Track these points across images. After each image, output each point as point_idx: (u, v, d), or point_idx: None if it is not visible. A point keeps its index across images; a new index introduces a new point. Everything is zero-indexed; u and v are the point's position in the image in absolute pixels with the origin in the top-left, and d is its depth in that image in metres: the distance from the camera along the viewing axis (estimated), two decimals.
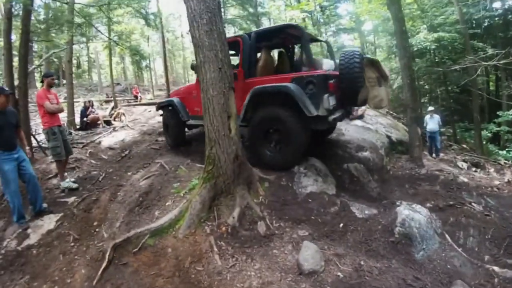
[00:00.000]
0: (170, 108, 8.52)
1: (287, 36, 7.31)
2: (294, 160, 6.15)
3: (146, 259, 4.36)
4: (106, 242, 4.81)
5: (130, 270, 4.27)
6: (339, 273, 3.85)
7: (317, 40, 9.22)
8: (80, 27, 11.41)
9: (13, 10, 8.77)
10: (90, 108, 13.52)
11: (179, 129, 8.48)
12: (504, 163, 13.51)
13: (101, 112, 15.17)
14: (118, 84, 29.82)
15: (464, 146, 16.58)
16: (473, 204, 6.94)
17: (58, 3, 12.65)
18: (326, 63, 6.59)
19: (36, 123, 11.68)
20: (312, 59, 6.33)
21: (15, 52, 10.89)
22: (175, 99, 8.37)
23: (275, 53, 9.02)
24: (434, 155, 11.82)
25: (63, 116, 12.27)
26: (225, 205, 4.81)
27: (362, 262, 4.05)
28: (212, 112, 4.76)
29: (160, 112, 9.29)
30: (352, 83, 5.88)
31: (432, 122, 11.81)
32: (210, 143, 4.89)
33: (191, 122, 8.02)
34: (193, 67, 7.12)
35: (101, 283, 4.17)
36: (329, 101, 5.50)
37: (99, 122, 13.27)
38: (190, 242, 4.37)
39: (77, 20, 11.51)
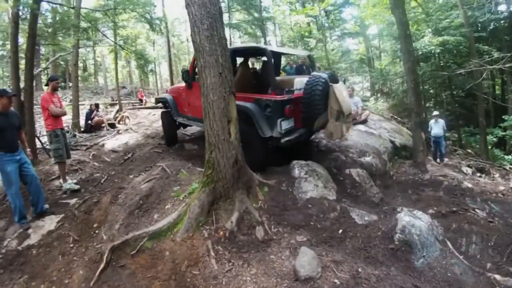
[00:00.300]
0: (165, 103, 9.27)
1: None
2: (254, 167, 6.14)
3: (143, 261, 4.38)
4: (105, 244, 4.83)
5: (127, 272, 4.30)
6: (336, 280, 3.80)
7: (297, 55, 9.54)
8: (86, 32, 11.47)
9: (20, 13, 8.85)
10: (95, 112, 13.64)
11: (172, 126, 9.15)
12: (510, 168, 13.36)
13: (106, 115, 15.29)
14: (123, 87, 29.97)
15: (469, 151, 16.40)
16: (476, 210, 6.88)
17: (65, 8, 12.79)
18: (297, 83, 6.70)
19: (41, 125, 11.76)
20: (274, 82, 6.43)
21: (22, 55, 10.98)
22: (169, 97, 8.99)
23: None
24: (438, 160, 11.74)
25: (68, 118, 12.42)
26: (224, 209, 4.81)
27: (360, 269, 4.01)
28: (212, 117, 4.76)
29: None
30: (310, 109, 6.19)
31: (436, 126, 11.72)
32: (210, 148, 4.89)
33: (179, 120, 8.61)
34: (183, 75, 8.05)
35: (98, 284, 4.21)
36: (282, 125, 5.93)
37: (103, 125, 13.35)
38: (188, 246, 4.37)
39: (83, 24, 11.60)
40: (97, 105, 15.45)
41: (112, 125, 13.69)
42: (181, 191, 5.74)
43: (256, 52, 7.24)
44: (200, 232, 4.53)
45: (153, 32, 14.46)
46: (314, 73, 6.62)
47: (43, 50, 25.67)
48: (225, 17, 26.34)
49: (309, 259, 3.96)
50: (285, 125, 6.02)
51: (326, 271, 3.95)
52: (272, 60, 6.68)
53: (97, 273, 4.28)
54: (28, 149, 6.11)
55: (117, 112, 17.54)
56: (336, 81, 6.49)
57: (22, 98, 8.19)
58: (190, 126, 8.85)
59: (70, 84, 22.47)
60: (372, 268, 4.10)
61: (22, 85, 8.48)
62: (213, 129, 4.79)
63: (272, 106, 5.98)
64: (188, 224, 4.58)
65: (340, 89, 6.22)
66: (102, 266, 4.36)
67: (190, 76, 7.89)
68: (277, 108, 5.96)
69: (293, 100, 6.20)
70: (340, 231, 4.85)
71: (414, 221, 4.80)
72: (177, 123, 8.93)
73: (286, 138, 6.02)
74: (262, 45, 7.57)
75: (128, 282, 4.15)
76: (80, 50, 24.36)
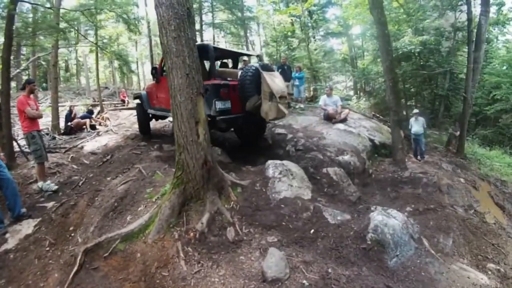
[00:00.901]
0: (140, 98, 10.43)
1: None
2: None
3: (116, 263, 4.38)
4: (79, 247, 4.81)
5: (100, 274, 4.30)
6: (304, 281, 3.82)
7: (246, 55, 11.75)
8: (63, 32, 11.32)
9: None
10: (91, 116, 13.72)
11: (144, 117, 10.36)
12: None
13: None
14: (106, 87, 29.61)
15: (450, 148, 16.61)
16: (455, 207, 6.99)
17: (45, 7, 12.60)
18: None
19: (19, 127, 11.62)
20: (215, 72, 7.76)
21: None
22: (143, 92, 10.21)
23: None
24: (419, 157, 11.87)
25: (47, 120, 12.29)
26: (195, 210, 4.81)
27: (330, 270, 4.02)
28: (180, 118, 4.76)
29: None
30: (242, 92, 7.38)
31: (416, 124, 11.81)
32: (179, 149, 4.89)
33: (150, 111, 9.83)
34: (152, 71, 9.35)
35: (71, 287, 4.20)
36: (217, 105, 7.01)
37: (84, 126, 13.22)
38: (158, 247, 4.37)
39: (62, 24, 11.48)
40: (90, 111, 15.35)
41: (93, 127, 13.59)
42: (154, 193, 5.72)
43: (202, 48, 7.62)
44: (170, 234, 4.53)
45: (131, 32, 14.34)
46: (249, 64, 7.81)
47: (24, 50, 25.31)
48: (209, 17, 26.36)
49: (277, 260, 3.98)
50: (220, 105, 7.09)
51: (295, 272, 3.97)
52: (214, 54, 7.68)
53: (71, 276, 4.27)
54: (2, 153, 6.06)
55: (98, 113, 17.37)
56: (270, 70, 7.62)
57: None
58: (162, 118, 10.02)
59: None
60: (343, 269, 4.12)
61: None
62: (181, 130, 4.79)
63: (209, 89, 6.90)
64: (159, 226, 4.58)
65: (270, 75, 7.26)
66: (75, 268, 4.35)
67: (158, 72, 8.90)
68: (213, 91, 7.01)
69: (229, 85, 7.42)
70: (312, 231, 4.87)
71: (387, 220, 4.83)
72: (150, 115, 10.17)
73: (222, 117, 7.10)
74: (205, 42, 8.21)
75: (101, 284, 4.15)
76: (62, 50, 24.12)
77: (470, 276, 4.34)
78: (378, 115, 16.43)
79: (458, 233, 6.06)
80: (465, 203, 7.78)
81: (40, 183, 6.80)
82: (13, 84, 17.93)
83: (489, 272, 5.07)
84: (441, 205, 6.95)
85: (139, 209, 5.38)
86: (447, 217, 6.31)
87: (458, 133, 12.74)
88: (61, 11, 11.39)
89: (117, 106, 21.34)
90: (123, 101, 22.91)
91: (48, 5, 11.29)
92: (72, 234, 5.38)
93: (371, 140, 10.23)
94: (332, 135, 9.20)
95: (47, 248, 5.12)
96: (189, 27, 4.78)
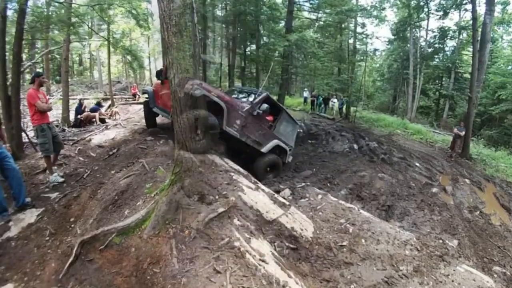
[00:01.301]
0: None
1: None
2: None
3: (110, 256, 4.38)
4: (76, 238, 4.85)
5: (95, 266, 4.31)
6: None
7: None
8: (73, 27, 11.41)
9: (9, 7, 8.79)
10: (99, 110, 13.86)
11: (149, 113, 10.84)
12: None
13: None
14: (118, 82, 29.84)
15: (455, 148, 16.68)
16: (460, 208, 6.94)
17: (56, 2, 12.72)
18: None
19: (28, 119, 11.80)
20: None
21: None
22: (150, 89, 10.47)
23: None
24: None
25: (58, 113, 12.46)
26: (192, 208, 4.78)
27: None
28: (180, 114, 4.73)
29: None
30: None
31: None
32: (178, 145, 4.88)
33: (154, 109, 10.03)
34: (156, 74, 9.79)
35: (66, 277, 4.23)
36: None
37: (94, 119, 13.35)
38: (153, 243, 4.34)
39: (72, 19, 11.58)
40: (99, 103, 15.51)
41: (102, 120, 13.73)
42: (154, 188, 5.72)
43: None
44: (166, 230, 4.48)
45: (141, 28, 14.38)
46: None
47: (39, 43, 25.57)
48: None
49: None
50: None
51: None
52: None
53: (66, 266, 4.31)
54: (8, 145, 6.16)
55: (109, 107, 17.53)
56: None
57: (9, 92, 8.20)
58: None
59: None
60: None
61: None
62: (181, 126, 4.77)
63: None
64: (155, 222, 4.55)
65: None
66: (71, 259, 4.38)
67: (163, 74, 8.76)
68: None
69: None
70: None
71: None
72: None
73: None
74: None
75: (94, 276, 4.16)
76: (76, 44, 24.32)
77: (475, 279, 4.25)
78: None
79: (463, 235, 6.01)
80: (470, 205, 7.71)
81: (46, 174, 6.96)
82: (27, 76, 18.17)
83: (495, 275, 5.05)
84: (446, 206, 6.89)
85: (138, 203, 5.39)
86: (452, 218, 6.25)
87: (463, 133, 12.60)
88: (73, 5, 11.51)
89: (128, 100, 21.51)
90: (134, 95, 23.07)
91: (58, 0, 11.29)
92: (72, 225, 5.44)
93: None
94: None
95: (47, 238, 5.18)
96: (191, 21, 4.75)
